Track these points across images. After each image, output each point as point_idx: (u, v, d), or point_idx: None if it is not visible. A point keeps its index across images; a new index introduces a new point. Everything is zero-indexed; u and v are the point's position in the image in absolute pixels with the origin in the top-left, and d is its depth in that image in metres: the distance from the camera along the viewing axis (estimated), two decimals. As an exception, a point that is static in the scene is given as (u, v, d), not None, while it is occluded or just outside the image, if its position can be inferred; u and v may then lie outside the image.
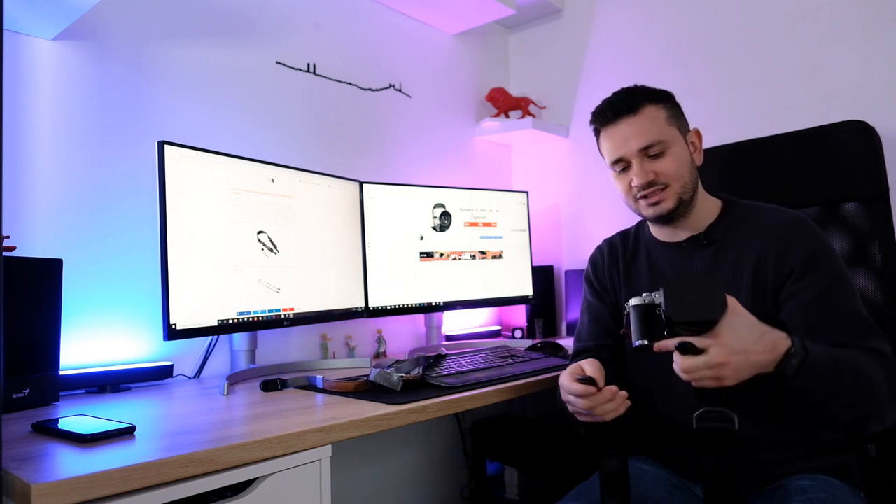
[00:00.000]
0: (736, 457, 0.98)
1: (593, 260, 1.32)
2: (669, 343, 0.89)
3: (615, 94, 1.16)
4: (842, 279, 1.02)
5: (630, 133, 1.11)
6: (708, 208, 1.16)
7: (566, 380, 1.03)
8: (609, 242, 1.31)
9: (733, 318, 0.87)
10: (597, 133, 1.20)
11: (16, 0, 1.10)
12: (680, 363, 0.88)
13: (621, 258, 1.26)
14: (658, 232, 1.21)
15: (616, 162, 1.14)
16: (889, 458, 1.17)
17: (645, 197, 1.11)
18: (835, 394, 0.91)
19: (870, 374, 0.91)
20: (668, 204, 1.10)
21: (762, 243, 1.07)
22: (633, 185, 1.12)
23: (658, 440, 1.16)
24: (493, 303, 1.88)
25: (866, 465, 1.16)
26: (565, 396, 1.04)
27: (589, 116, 1.20)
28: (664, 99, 1.14)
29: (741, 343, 0.86)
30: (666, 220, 1.13)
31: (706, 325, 0.86)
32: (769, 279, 1.05)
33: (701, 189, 1.16)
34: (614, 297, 1.25)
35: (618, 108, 1.13)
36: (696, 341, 0.86)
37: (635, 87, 1.15)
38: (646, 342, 0.93)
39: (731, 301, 0.88)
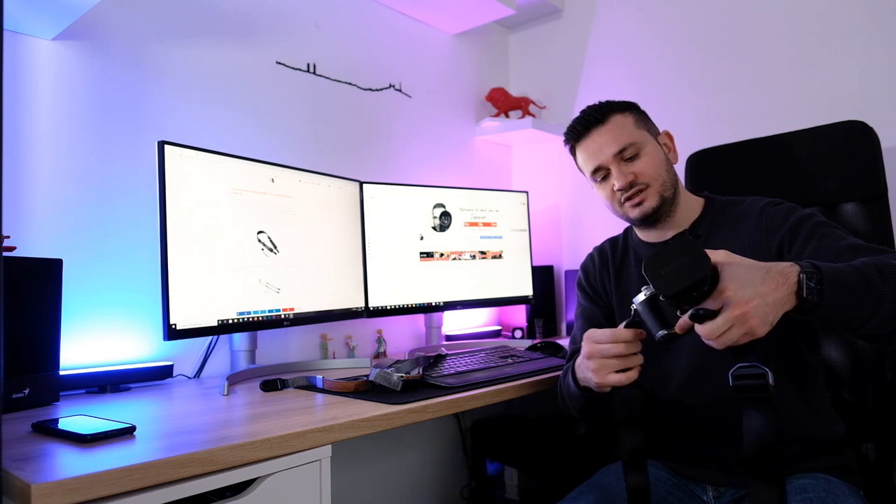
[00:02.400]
0: (777, 415, 0.90)
1: (584, 267, 1.34)
2: (685, 320, 0.84)
3: (581, 111, 1.21)
4: (828, 226, 1.03)
5: (602, 141, 1.16)
6: (691, 206, 1.19)
7: (601, 334, 0.97)
8: (599, 249, 1.33)
9: (731, 267, 0.81)
10: (573, 151, 1.25)
11: (16, 0, 1.10)
12: (703, 331, 0.81)
13: (611, 263, 1.28)
14: (645, 235, 1.23)
15: (595, 171, 1.19)
16: (889, 458, 1.17)
17: (629, 199, 1.15)
18: (876, 298, 0.83)
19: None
20: (651, 203, 1.14)
21: (745, 230, 1.10)
22: (615, 189, 1.16)
23: (658, 438, 1.16)
24: (493, 303, 1.88)
25: (866, 464, 1.17)
26: (596, 348, 0.97)
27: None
28: (629, 108, 1.20)
29: (751, 287, 0.79)
30: (652, 219, 1.15)
31: (702, 284, 0.80)
32: (759, 259, 1.05)
33: (682, 188, 1.20)
34: (607, 300, 1.27)
35: (586, 122, 1.19)
36: (707, 304, 0.81)
37: (599, 102, 1.21)
38: (666, 331, 0.87)
39: (723, 253, 0.83)
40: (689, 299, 0.82)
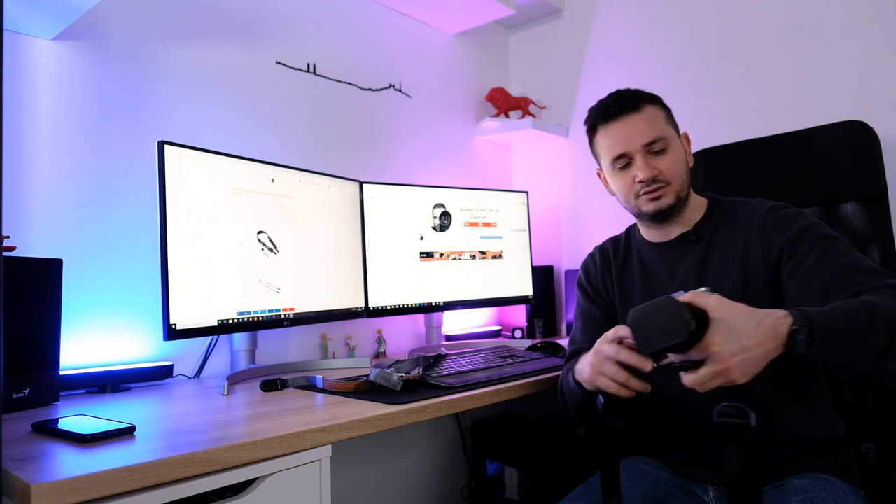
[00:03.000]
0: (759, 453, 0.95)
1: (585, 267, 1.33)
2: (672, 357, 0.86)
3: (612, 94, 1.18)
4: (832, 239, 1.02)
5: (634, 129, 1.13)
6: (696, 206, 1.19)
7: (614, 335, 0.94)
8: (601, 249, 1.32)
9: (721, 319, 0.81)
10: (593, 131, 1.20)
11: (16, 0, 1.10)
12: (686, 381, 0.84)
13: (613, 263, 1.27)
14: (649, 233, 1.22)
15: (618, 158, 1.15)
16: (889, 458, 1.17)
17: (647, 193, 1.13)
18: (862, 346, 0.84)
19: (888, 311, 0.85)
20: (668, 200, 1.13)
21: (746, 233, 1.09)
22: (636, 180, 1.13)
23: (658, 438, 1.16)
24: (493, 303, 1.88)
25: (866, 464, 1.16)
26: (606, 347, 0.94)
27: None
28: (660, 101, 1.18)
29: (736, 342, 0.80)
30: (664, 216, 1.15)
31: (680, 348, 0.82)
32: (759, 263, 1.06)
33: (690, 189, 1.20)
34: (608, 301, 1.27)
35: (620, 105, 1.15)
36: (692, 354, 0.82)
37: (629, 89, 1.18)
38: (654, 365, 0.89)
39: (716, 300, 0.83)
40: (673, 350, 0.84)
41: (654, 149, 1.12)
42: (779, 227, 1.06)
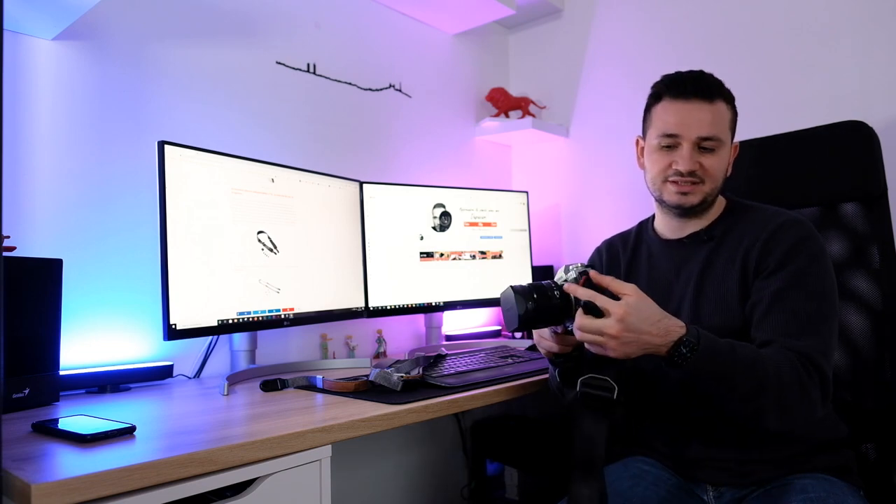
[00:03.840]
0: (759, 452, 1.02)
1: (591, 262, 1.33)
2: (580, 291, 0.93)
3: (693, 72, 1.13)
4: (807, 279, 1.01)
5: (699, 117, 1.08)
6: (715, 207, 1.17)
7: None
8: (609, 243, 1.32)
9: (637, 300, 0.90)
10: (657, 98, 1.14)
11: (16, 0, 1.10)
12: (577, 321, 0.91)
13: (622, 258, 1.26)
14: (664, 226, 1.21)
15: (667, 136, 1.10)
16: (889, 458, 1.17)
17: (676, 183, 1.10)
18: (731, 385, 0.92)
19: (768, 369, 0.91)
20: (695, 198, 1.10)
21: (751, 240, 1.08)
22: (674, 166, 1.10)
23: (658, 438, 1.16)
24: (493, 303, 1.88)
25: (866, 464, 1.17)
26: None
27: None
28: (733, 102, 1.14)
29: (638, 323, 0.89)
30: (685, 212, 1.14)
31: (518, 329, 0.95)
32: (752, 272, 1.06)
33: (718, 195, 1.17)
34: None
35: (697, 88, 1.09)
36: (603, 302, 0.90)
37: (712, 75, 1.13)
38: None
39: (634, 288, 0.92)
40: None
41: (705, 145, 1.08)
42: (780, 244, 1.05)
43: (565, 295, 0.95)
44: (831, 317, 1.01)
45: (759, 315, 1.02)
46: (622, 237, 1.30)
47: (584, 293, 0.92)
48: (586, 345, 0.93)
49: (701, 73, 1.12)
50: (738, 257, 1.09)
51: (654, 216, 1.26)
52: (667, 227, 1.20)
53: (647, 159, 1.16)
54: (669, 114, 1.10)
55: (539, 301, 0.93)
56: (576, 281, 0.95)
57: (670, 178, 1.11)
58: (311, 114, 1.75)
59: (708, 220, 1.16)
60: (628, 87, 2.03)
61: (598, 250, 1.33)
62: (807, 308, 0.99)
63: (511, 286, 0.95)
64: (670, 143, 1.10)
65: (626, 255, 1.26)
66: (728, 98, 1.12)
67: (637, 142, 1.22)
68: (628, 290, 0.91)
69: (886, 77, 1.55)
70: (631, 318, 0.89)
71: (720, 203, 1.18)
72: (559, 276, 0.99)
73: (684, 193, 1.10)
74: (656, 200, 1.19)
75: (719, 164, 1.10)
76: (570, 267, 0.98)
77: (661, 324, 0.91)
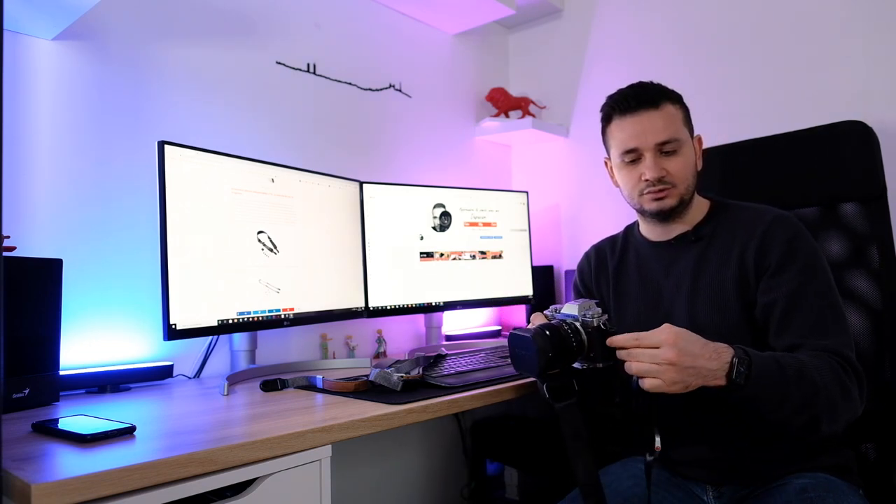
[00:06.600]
0: (759, 452, 1.03)
1: (580, 268, 1.34)
2: (618, 340, 0.92)
3: (633, 85, 1.15)
4: (816, 275, 1.03)
5: (650, 126, 1.11)
6: (698, 207, 1.18)
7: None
8: (596, 248, 1.33)
9: (678, 328, 0.89)
10: (607, 120, 1.18)
11: (16, 0, 1.10)
12: (628, 346, 0.91)
13: (610, 262, 1.27)
14: (649, 231, 1.22)
15: (628, 152, 1.13)
16: (889, 458, 1.17)
17: (651, 192, 1.12)
18: (784, 397, 0.90)
19: (813, 375, 0.91)
20: (671, 202, 1.12)
21: (745, 238, 1.09)
22: (643, 178, 1.12)
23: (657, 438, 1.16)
24: (493, 303, 1.88)
25: (866, 464, 1.17)
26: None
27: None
28: (680, 101, 1.16)
29: (690, 346, 0.88)
30: (665, 216, 1.15)
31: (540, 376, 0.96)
32: (751, 271, 1.07)
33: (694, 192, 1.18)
34: (602, 301, 1.26)
35: (639, 99, 1.12)
36: (649, 336, 0.89)
37: (652, 83, 1.15)
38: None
39: (666, 327, 0.90)
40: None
41: (665, 149, 1.11)
42: (775, 239, 1.06)
43: (578, 332, 0.94)
44: (841, 306, 1.02)
45: (778, 318, 1.01)
46: (610, 241, 1.32)
47: (625, 338, 0.91)
48: (638, 380, 0.90)
49: (640, 83, 1.16)
50: (732, 256, 1.09)
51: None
52: (652, 232, 1.22)
53: (618, 177, 1.19)
54: (623, 130, 1.13)
55: (558, 347, 0.92)
56: (600, 323, 0.95)
57: (644, 191, 1.13)
58: (311, 114, 1.75)
59: (693, 221, 1.17)
60: (628, 87, 2.03)
61: (586, 255, 1.34)
62: (823, 304, 1.00)
63: (530, 333, 0.93)
64: (633, 158, 1.13)
65: (614, 259, 1.27)
66: (673, 98, 1.14)
67: (605, 163, 1.25)
68: (662, 327, 0.90)
69: (887, 77, 1.55)
70: (682, 343, 0.87)
71: (703, 204, 1.19)
72: (567, 308, 0.98)
73: (660, 199, 1.12)
74: (638, 212, 1.21)
75: (685, 164, 1.12)
76: (579, 305, 0.96)
77: (709, 347, 0.90)
